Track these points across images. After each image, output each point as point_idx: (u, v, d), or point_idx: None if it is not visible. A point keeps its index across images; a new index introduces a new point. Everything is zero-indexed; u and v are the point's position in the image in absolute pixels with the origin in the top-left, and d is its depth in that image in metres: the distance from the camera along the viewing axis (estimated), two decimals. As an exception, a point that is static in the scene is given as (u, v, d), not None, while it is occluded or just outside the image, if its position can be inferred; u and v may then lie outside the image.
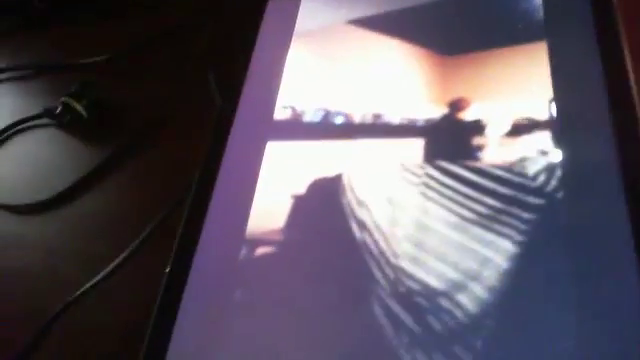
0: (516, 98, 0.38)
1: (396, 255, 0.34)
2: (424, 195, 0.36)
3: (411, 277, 0.33)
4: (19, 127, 0.54)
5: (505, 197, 0.34)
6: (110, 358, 0.40)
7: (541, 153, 0.36)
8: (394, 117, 0.40)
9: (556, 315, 0.30)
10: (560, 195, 0.34)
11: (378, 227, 0.36)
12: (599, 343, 0.29)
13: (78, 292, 0.42)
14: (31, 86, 0.57)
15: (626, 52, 0.36)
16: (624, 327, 0.29)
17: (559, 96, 0.37)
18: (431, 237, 0.34)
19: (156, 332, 0.35)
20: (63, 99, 0.51)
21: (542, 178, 0.35)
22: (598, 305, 0.30)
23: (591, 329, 0.29)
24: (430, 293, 0.33)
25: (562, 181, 0.34)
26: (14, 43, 0.61)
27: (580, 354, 0.29)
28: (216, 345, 0.34)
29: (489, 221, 0.34)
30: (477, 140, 0.37)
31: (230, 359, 0.33)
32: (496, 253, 0.33)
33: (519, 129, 0.37)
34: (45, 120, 0.53)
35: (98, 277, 0.43)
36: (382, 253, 0.35)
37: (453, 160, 0.37)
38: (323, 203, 0.38)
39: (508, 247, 0.33)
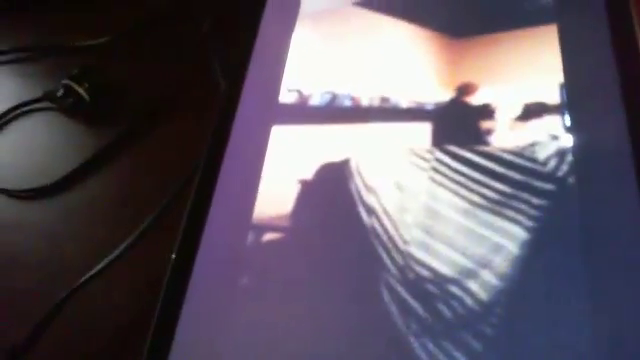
0: (526, 82, 0.38)
1: (405, 241, 0.34)
2: (433, 180, 0.36)
3: (420, 263, 0.33)
4: (19, 111, 0.53)
5: (515, 182, 0.34)
6: (115, 345, 0.40)
7: (552, 137, 0.35)
8: (402, 101, 0.40)
9: (568, 302, 0.30)
10: (571, 180, 0.33)
11: (387, 213, 0.35)
12: (614, 331, 0.29)
13: (82, 279, 0.42)
14: (30, 69, 0.57)
15: (638, 34, 0.35)
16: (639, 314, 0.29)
17: (570, 80, 0.36)
18: (440, 223, 0.34)
19: (162, 319, 0.35)
20: (64, 82, 0.51)
21: (553, 163, 0.34)
22: (612, 292, 0.30)
23: (605, 317, 0.29)
24: (439, 279, 0.32)
25: (573, 166, 0.34)
26: (12, 25, 0.60)
27: (595, 343, 0.29)
28: (223, 332, 0.34)
29: (499, 207, 0.34)
30: (487, 124, 0.37)
31: (237, 346, 0.33)
32: (506, 239, 0.33)
33: (529, 113, 0.36)
34: (46, 104, 0.53)
35: (102, 264, 0.42)
36: (391, 239, 0.34)
37: (462, 145, 0.36)
38: (330, 188, 0.37)
39: (518, 233, 0.33)
